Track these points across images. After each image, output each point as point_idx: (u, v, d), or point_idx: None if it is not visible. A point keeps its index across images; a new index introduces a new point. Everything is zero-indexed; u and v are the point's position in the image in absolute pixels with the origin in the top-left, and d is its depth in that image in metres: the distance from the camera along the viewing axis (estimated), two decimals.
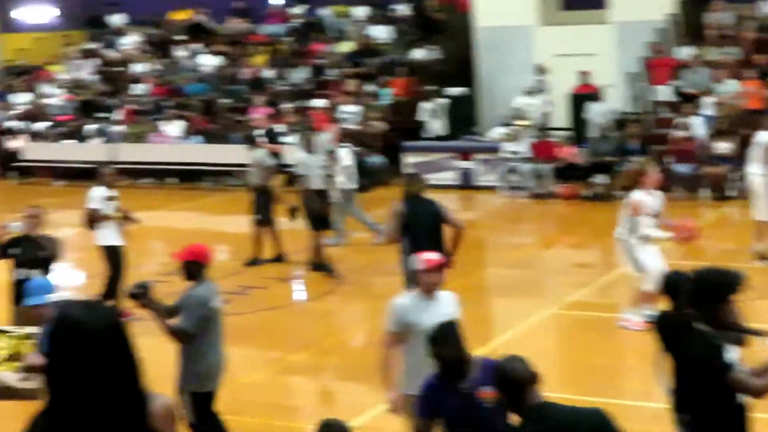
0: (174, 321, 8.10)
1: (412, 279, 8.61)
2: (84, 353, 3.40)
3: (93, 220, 13.01)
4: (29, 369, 6.83)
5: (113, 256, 12.97)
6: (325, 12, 28.38)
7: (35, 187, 24.90)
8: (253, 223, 15.94)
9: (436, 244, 10.42)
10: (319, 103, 24.08)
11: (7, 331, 7.34)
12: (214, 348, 8.24)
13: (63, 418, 3.44)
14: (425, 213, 11.05)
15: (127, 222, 13.28)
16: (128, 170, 23.05)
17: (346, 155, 17.11)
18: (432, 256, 7.67)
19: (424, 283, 7.54)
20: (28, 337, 7.21)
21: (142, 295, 7.98)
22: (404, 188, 11.50)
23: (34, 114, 27.38)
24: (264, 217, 15.84)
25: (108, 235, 13.02)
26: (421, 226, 10.94)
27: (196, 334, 8.06)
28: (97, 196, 13.04)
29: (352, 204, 17.04)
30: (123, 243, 13.10)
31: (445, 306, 7.46)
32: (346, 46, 26.68)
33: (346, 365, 11.52)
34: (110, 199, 13.07)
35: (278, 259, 15.98)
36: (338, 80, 25.17)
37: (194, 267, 8.19)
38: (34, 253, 10.59)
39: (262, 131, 21.91)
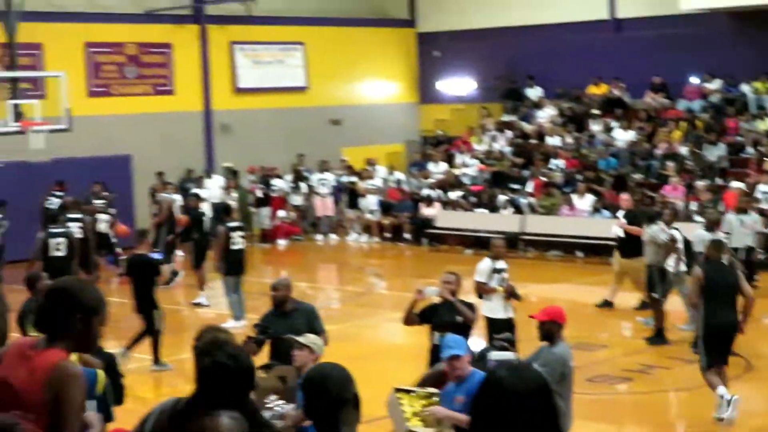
0: None
1: None
2: (510, 415, 3.36)
3: (480, 291, 13.04)
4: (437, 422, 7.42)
5: (497, 328, 12.87)
6: (745, 88, 27.30)
7: (445, 254, 25.54)
8: (648, 300, 15.62)
9: None
10: (735, 182, 23.07)
11: (412, 391, 7.81)
12: (566, 401, 8.57)
13: None
14: None
15: (512, 298, 13.07)
16: (537, 242, 23.17)
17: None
18: None
19: None
20: (430, 396, 7.73)
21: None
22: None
23: (448, 183, 28.28)
24: (659, 295, 15.45)
25: (494, 308, 12.98)
26: None
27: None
28: (485, 268, 13.04)
29: None
30: (510, 316, 12.97)
31: None
32: (766, 124, 25.45)
33: None
34: (497, 271, 13.00)
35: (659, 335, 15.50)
36: (757, 159, 24.02)
37: (553, 327, 8.73)
38: (451, 317, 10.73)
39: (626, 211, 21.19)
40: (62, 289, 4.65)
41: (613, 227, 18.31)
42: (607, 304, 18.18)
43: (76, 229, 18.50)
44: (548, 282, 21.21)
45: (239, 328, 15.25)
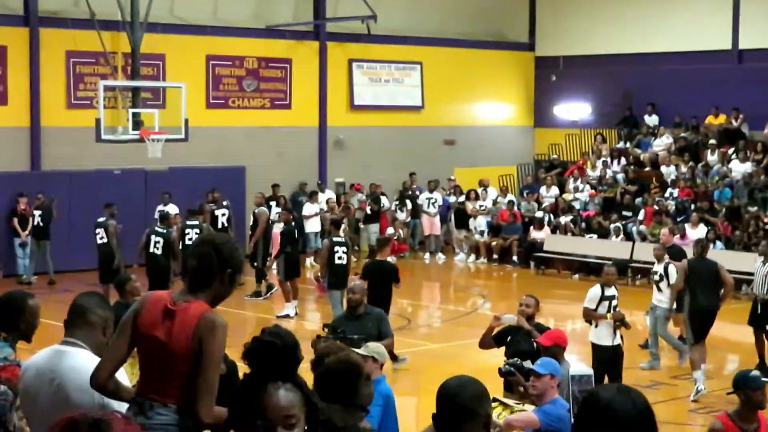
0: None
1: None
2: None
3: (588, 318, 12.92)
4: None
5: (604, 355, 12.69)
6: None
7: (552, 278, 25.30)
8: (757, 335, 15.46)
9: None
10: None
11: (503, 402, 8.30)
12: None
13: None
14: None
15: (621, 325, 12.91)
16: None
17: None
18: None
19: None
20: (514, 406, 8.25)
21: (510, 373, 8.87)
22: None
23: (559, 207, 28.01)
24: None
25: (601, 335, 12.78)
26: None
27: None
28: (595, 294, 12.94)
29: None
30: (617, 343, 12.77)
31: None
32: None
33: None
34: (607, 298, 12.87)
35: None
36: None
37: (557, 350, 9.35)
38: (527, 343, 10.55)
39: None
40: (216, 245, 4.92)
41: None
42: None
43: (193, 234, 19.95)
44: None
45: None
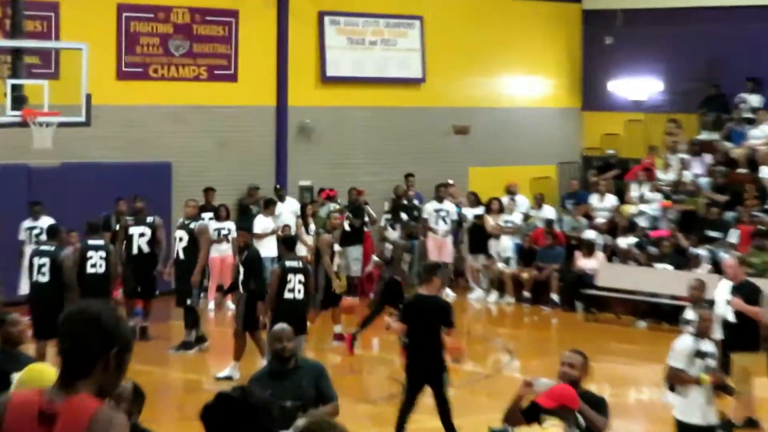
0: None
1: None
2: None
3: (674, 381, 13.04)
4: None
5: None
6: None
7: (609, 325, 25.28)
8: None
9: None
10: None
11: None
12: None
13: None
14: None
15: (721, 392, 13.28)
16: None
17: None
18: None
19: None
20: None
21: None
22: None
23: (618, 224, 27.95)
24: None
25: (690, 408, 12.87)
26: None
27: None
28: (685, 349, 13.05)
29: None
30: (712, 423, 12.96)
31: None
32: None
33: None
34: (702, 355, 13.02)
35: None
36: None
37: (564, 414, 9.70)
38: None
39: None
40: (92, 317, 4.99)
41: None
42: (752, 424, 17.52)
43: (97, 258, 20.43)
44: None
45: None
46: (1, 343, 11.06)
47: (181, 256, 22.20)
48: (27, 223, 24.04)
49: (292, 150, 29.66)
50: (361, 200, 28.68)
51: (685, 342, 13.22)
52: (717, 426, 14.02)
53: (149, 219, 22.92)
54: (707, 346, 13.17)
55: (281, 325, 11.85)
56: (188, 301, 21.87)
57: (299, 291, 18.30)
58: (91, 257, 20.45)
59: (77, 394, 4.89)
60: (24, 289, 21.06)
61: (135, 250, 22.48)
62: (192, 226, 22.25)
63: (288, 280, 18.22)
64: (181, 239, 22.27)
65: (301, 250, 25.12)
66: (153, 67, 27.89)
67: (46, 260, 18.97)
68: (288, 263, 18.66)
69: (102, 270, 20.43)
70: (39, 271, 18.92)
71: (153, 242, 22.76)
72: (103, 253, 20.47)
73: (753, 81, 30.54)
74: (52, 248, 19.34)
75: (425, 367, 15.55)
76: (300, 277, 18.41)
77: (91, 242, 20.86)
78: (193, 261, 21.87)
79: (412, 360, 15.66)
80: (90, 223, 21.50)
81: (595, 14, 33.56)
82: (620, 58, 32.80)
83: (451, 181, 29.93)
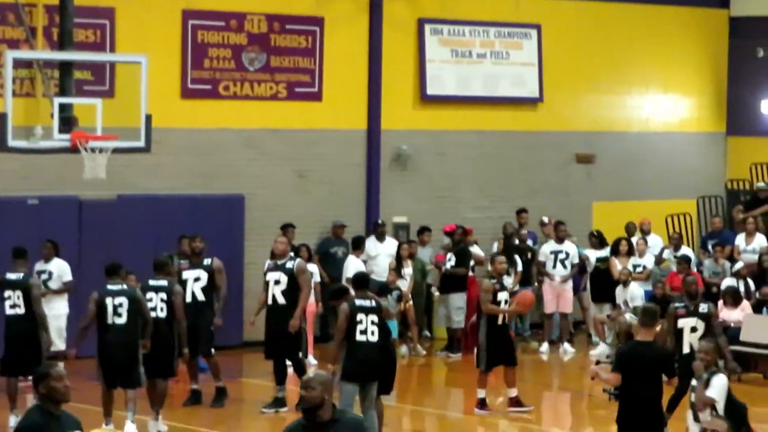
0: None
1: None
2: None
3: None
4: None
5: None
6: None
7: (757, 387, 24.97)
8: None
9: None
10: None
11: None
12: None
13: None
14: None
15: None
16: None
17: None
18: None
19: None
20: None
21: None
22: None
23: (766, 270, 27.76)
24: None
25: None
26: None
27: None
28: None
29: None
30: None
31: None
32: None
33: None
34: None
35: None
36: None
37: None
38: None
39: None
40: None
41: None
42: None
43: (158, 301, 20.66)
44: None
45: None
46: (40, 401, 10.79)
47: (280, 300, 22.05)
48: (39, 265, 23.71)
49: (386, 181, 29.78)
50: (467, 241, 28.60)
51: None
52: None
53: (206, 261, 22.71)
54: None
55: (313, 372, 11.86)
56: (299, 354, 22.14)
57: (372, 332, 18.50)
58: (150, 299, 20.40)
59: None
60: None
61: (189, 298, 22.07)
62: (289, 265, 22.17)
63: (359, 320, 18.47)
64: (278, 282, 22.05)
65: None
66: (223, 83, 28.04)
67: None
68: (358, 302, 18.77)
69: (163, 314, 20.47)
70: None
71: (210, 288, 22.60)
72: (164, 296, 20.41)
73: None
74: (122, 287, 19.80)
75: (644, 424, 15.68)
76: (373, 317, 18.61)
77: (152, 282, 20.68)
78: (292, 306, 21.85)
79: (626, 415, 15.79)
80: (156, 260, 21.32)
81: (744, 22, 33.47)
82: None
83: (546, 219, 29.99)
